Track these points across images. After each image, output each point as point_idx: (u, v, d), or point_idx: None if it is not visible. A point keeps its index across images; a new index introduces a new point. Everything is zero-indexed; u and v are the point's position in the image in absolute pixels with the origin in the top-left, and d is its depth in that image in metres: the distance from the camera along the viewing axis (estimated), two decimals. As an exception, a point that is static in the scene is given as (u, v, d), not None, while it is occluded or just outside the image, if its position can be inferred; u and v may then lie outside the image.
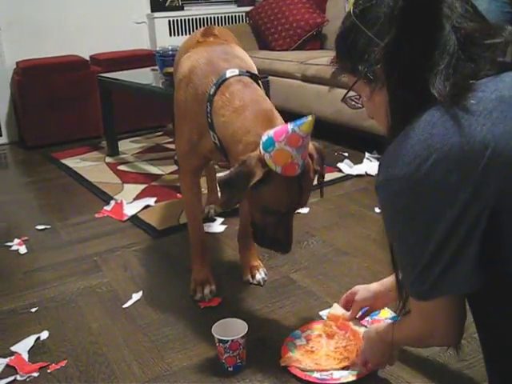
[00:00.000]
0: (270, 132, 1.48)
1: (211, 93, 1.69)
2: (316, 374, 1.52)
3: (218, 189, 1.64)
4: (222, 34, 2.07)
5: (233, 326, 1.58)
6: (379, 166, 0.95)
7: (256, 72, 1.85)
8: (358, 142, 3.59)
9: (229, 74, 1.71)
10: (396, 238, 0.97)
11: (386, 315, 1.76)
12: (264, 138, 1.49)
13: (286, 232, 1.60)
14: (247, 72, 1.76)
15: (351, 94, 1.12)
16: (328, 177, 2.95)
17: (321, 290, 1.96)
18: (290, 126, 1.42)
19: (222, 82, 1.69)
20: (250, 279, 2.03)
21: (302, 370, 1.53)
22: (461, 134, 0.84)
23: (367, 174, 3.10)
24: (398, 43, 0.95)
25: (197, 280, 1.95)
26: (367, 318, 1.76)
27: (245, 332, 1.54)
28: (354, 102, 1.14)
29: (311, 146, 1.58)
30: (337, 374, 1.51)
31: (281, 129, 1.46)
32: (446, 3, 0.96)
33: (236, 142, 1.60)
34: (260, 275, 2.03)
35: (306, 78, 3.90)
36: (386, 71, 0.98)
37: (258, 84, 1.78)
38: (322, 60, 3.82)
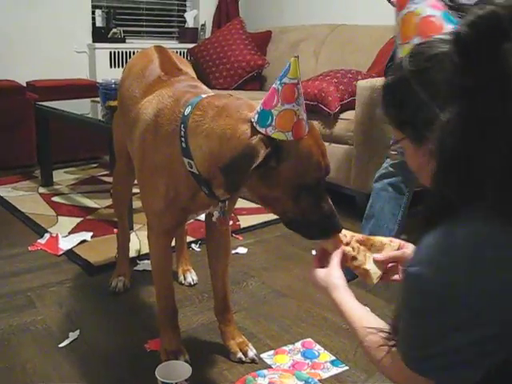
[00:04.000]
0: (258, 107, 1.33)
1: (185, 114, 1.49)
2: None
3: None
4: (182, 64, 1.94)
5: (177, 369, 1.57)
6: (416, 251, 0.90)
7: None
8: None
9: (204, 95, 1.55)
10: (405, 323, 0.93)
11: (325, 358, 1.81)
12: (255, 117, 1.33)
13: (328, 204, 1.38)
14: None
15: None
16: (265, 217, 2.97)
17: (261, 332, 1.98)
18: (276, 84, 1.28)
19: (198, 101, 1.51)
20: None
21: None
22: (504, 271, 0.80)
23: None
24: (460, 122, 0.82)
25: (169, 351, 1.76)
26: (307, 361, 1.80)
27: (189, 375, 1.54)
28: (395, 154, 1.13)
29: None
30: None
31: (268, 95, 1.30)
32: None
33: (226, 144, 1.39)
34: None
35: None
36: (438, 147, 0.85)
37: None
38: (262, 102, 3.90)
